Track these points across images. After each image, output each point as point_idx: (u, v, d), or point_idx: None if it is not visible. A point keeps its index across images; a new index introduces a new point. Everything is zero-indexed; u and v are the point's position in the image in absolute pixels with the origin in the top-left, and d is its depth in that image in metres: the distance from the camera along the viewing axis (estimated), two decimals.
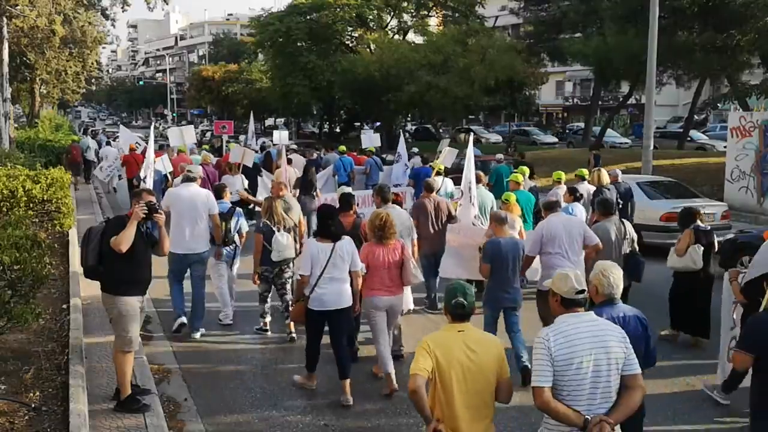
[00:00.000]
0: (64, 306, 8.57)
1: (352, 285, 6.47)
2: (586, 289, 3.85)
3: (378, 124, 43.89)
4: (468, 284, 4.09)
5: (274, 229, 7.79)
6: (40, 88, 33.07)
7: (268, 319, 8.24)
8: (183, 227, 7.96)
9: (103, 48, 41.82)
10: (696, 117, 35.56)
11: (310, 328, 6.56)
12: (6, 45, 19.11)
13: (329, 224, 6.46)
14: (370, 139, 19.14)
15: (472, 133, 14.92)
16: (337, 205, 7.85)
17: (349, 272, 6.42)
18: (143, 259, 5.99)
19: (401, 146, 16.86)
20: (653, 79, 18.05)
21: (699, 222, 7.84)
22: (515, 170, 12.01)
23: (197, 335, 8.12)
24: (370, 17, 43.00)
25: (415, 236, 8.45)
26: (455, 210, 9.36)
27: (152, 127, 15.34)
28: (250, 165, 13.92)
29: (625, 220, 8.10)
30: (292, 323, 7.89)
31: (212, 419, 6.09)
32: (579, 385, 3.52)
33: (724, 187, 17.46)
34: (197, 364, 7.42)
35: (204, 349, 7.86)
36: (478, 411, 3.81)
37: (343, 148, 18.43)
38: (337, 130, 49.94)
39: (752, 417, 4.56)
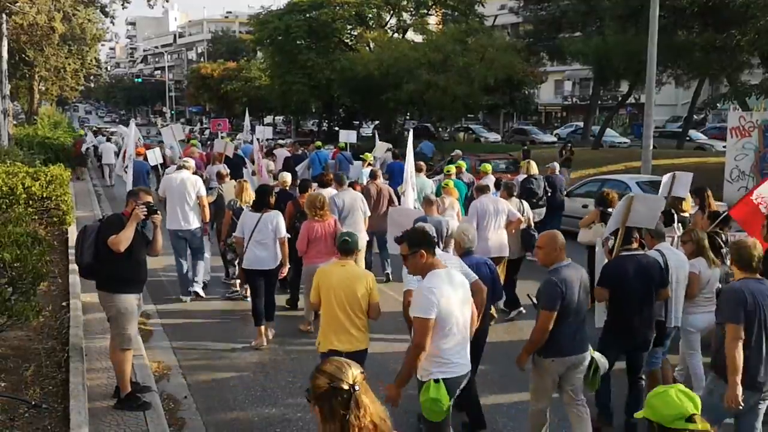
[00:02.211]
0: (64, 303, 8.58)
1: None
2: (472, 246, 5.69)
3: (377, 122, 43.88)
4: (355, 233, 5.74)
5: (243, 207, 8.87)
6: (38, 85, 32.97)
7: (237, 281, 9.55)
8: (175, 207, 9.37)
9: (102, 45, 41.78)
10: (695, 117, 35.56)
11: (249, 284, 8.29)
12: (5, 42, 19.06)
13: (260, 199, 7.94)
14: (347, 136, 21.46)
15: (411, 130, 16.06)
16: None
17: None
18: (140, 258, 6.00)
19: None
20: (653, 79, 18.03)
21: (682, 211, 8.49)
22: (453, 165, 13.49)
23: (196, 294, 9.59)
24: (370, 15, 42.93)
25: (369, 214, 9.78)
26: (401, 195, 10.82)
27: (132, 123, 17.30)
28: (231, 156, 15.73)
29: (524, 202, 9.74)
30: (238, 282, 9.52)
31: (212, 417, 6.09)
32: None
33: (724, 187, 17.47)
34: (197, 362, 7.42)
35: (204, 347, 7.86)
36: (352, 321, 5.28)
37: (319, 143, 20.62)
38: (336, 128, 49.90)
39: (603, 330, 5.80)
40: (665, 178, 9.13)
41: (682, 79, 30.54)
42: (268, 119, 64.04)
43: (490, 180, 11.67)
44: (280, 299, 8.88)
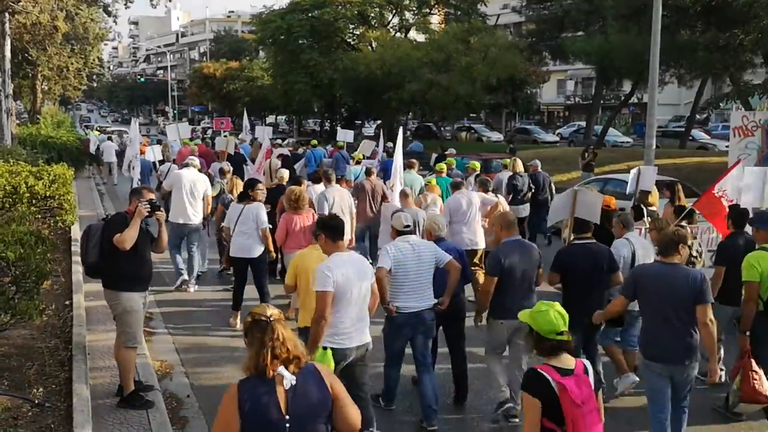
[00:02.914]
0: (67, 302, 8.59)
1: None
2: (411, 225, 6.11)
3: (379, 121, 43.87)
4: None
5: (234, 201, 9.41)
6: (41, 85, 32.98)
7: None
8: (182, 201, 9.83)
9: (105, 44, 41.75)
10: (698, 116, 35.49)
11: (234, 271, 8.79)
12: (8, 41, 19.07)
13: (244, 191, 8.75)
14: (345, 135, 21.84)
15: (401, 128, 17.84)
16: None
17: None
18: (145, 256, 6.01)
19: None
20: (656, 78, 17.97)
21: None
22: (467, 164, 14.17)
23: (191, 289, 9.97)
24: (372, 15, 42.93)
25: (354, 210, 10.24)
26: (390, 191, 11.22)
27: (135, 123, 18.21)
28: (233, 152, 16.63)
29: (500, 196, 10.39)
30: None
31: (215, 416, 6.06)
32: (404, 278, 5.77)
33: None
34: (200, 361, 7.43)
35: (206, 346, 7.87)
36: None
37: (314, 142, 21.72)
38: (339, 127, 49.90)
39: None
40: (632, 174, 9.83)
41: (685, 78, 30.46)
42: (271, 119, 64.05)
43: (472, 177, 12.22)
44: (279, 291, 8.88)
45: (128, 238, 5.71)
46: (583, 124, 41.39)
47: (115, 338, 6.12)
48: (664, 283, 4.91)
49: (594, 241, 6.32)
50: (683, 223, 7.32)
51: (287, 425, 3.02)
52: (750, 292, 5.73)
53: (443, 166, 12.55)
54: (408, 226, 6.03)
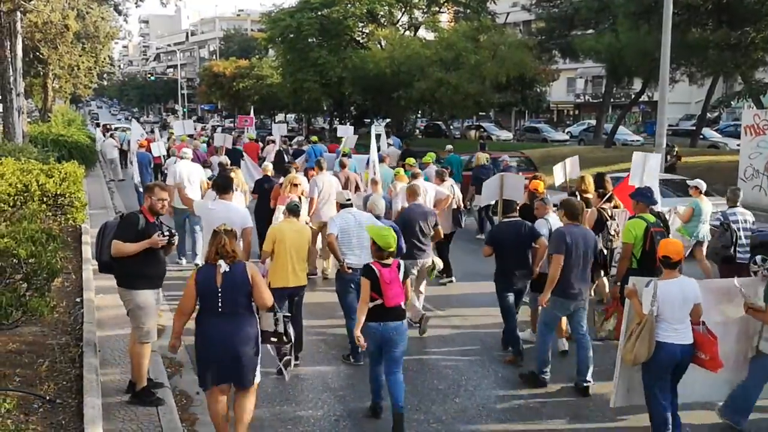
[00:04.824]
0: (78, 299, 8.64)
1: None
2: (351, 199, 7.66)
3: (388, 120, 43.82)
4: (297, 203, 7.64)
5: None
6: (52, 83, 33.12)
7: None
8: (182, 189, 10.64)
9: (116, 43, 41.96)
10: (709, 115, 35.26)
11: None
12: (20, 40, 19.14)
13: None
14: (346, 131, 22.87)
15: (375, 124, 18.32)
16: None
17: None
18: (158, 256, 6.04)
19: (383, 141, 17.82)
20: (666, 77, 17.91)
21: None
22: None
23: (199, 262, 10.35)
24: (381, 13, 42.85)
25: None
26: (367, 183, 12.03)
27: (134, 122, 21.07)
28: (230, 147, 19.46)
29: (455, 186, 11.18)
30: None
31: None
32: (349, 241, 7.29)
33: (738, 185, 17.33)
34: None
35: None
36: (300, 264, 7.13)
37: (315, 138, 22.65)
38: (351, 126, 49.85)
39: (495, 277, 7.49)
40: (558, 166, 11.95)
41: (696, 76, 30.28)
42: (280, 117, 64.11)
43: (431, 170, 13.02)
44: None
45: (126, 251, 5.79)
46: (593, 122, 41.22)
47: (130, 334, 6.16)
48: (581, 238, 6.57)
49: (519, 218, 7.54)
50: (605, 206, 8.84)
51: (219, 292, 5.02)
52: (625, 251, 7.09)
53: (412, 160, 13.74)
54: (348, 200, 7.60)
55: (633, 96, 36.20)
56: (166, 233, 5.95)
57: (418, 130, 50.21)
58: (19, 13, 18.74)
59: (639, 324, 5.40)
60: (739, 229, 8.58)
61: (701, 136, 32.44)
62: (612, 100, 39.97)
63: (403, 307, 5.78)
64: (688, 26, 23.63)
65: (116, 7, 30.27)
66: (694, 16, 23.40)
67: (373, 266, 5.68)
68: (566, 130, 46.10)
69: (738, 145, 19.86)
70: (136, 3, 28.15)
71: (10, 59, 18.69)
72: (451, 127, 45.40)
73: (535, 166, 18.47)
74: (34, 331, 7.31)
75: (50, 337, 7.27)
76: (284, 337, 5.40)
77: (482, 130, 46.08)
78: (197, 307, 5.15)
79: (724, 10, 22.34)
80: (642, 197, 7.37)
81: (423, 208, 8.58)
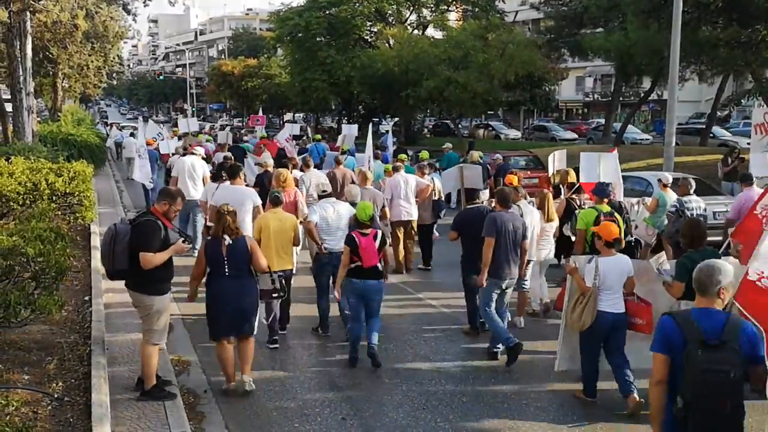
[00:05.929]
0: (86, 298, 8.68)
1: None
2: (329, 191, 8.62)
3: (396, 119, 43.78)
4: (278, 193, 8.06)
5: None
6: (62, 83, 33.28)
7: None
8: (185, 181, 11.98)
9: (125, 43, 42.11)
10: (719, 113, 35.03)
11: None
12: (30, 40, 19.23)
13: (217, 172, 10.44)
14: (349, 130, 23.63)
15: (371, 123, 20.67)
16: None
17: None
18: (171, 257, 6.07)
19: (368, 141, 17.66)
20: (676, 75, 17.79)
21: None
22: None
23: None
24: (390, 12, 42.83)
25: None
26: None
27: (141, 120, 23.79)
28: (231, 144, 20.49)
29: (435, 178, 12.36)
30: None
31: (231, 411, 6.13)
32: (329, 228, 7.99)
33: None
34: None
35: None
36: (284, 249, 7.72)
37: (317, 136, 23.26)
38: (356, 125, 49.86)
39: (461, 261, 8.25)
40: (550, 158, 12.66)
41: (706, 75, 30.04)
42: (288, 116, 64.21)
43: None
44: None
45: (157, 262, 5.79)
46: (602, 121, 41.03)
47: (142, 335, 6.18)
48: (510, 222, 7.39)
49: (481, 204, 8.45)
50: (573, 196, 10.10)
51: (225, 260, 6.19)
52: (579, 237, 8.05)
53: (404, 156, 14.86)
54: (325, 191, 8.51)
55: (642, 94, 36.00)
56: (184, 239, 6.10)
57: (426, 129, 50.13)
58: (28, 13, 18.83)
59: (584, 296, 6.11)
60: (692, 216, 9.54)
61: (711, 135, 32.22)
62: (621, 98, 39.75)
63: (379, 268, 7.05)
64: (697, 24, 23.44)
65: (125, 7, 30.38)
66: (704, 14, 23.20)
67: (354, 235, 7.03)
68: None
69: (748, 143, 19.68)
70: (144, 2, 28.22)
71: (20, 59, 18.80)
72: (460, 126, 45.29)
73: (543, 164, 18.41)
74: (42, 330, 7.35)
75: (59, 335, 7.31)
76: (281, 292, 6.69)
77: (491, 128, 45.98)
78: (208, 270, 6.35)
79: (735, 8, 22.14)
80: (597, 192, 8.47)
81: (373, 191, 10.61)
